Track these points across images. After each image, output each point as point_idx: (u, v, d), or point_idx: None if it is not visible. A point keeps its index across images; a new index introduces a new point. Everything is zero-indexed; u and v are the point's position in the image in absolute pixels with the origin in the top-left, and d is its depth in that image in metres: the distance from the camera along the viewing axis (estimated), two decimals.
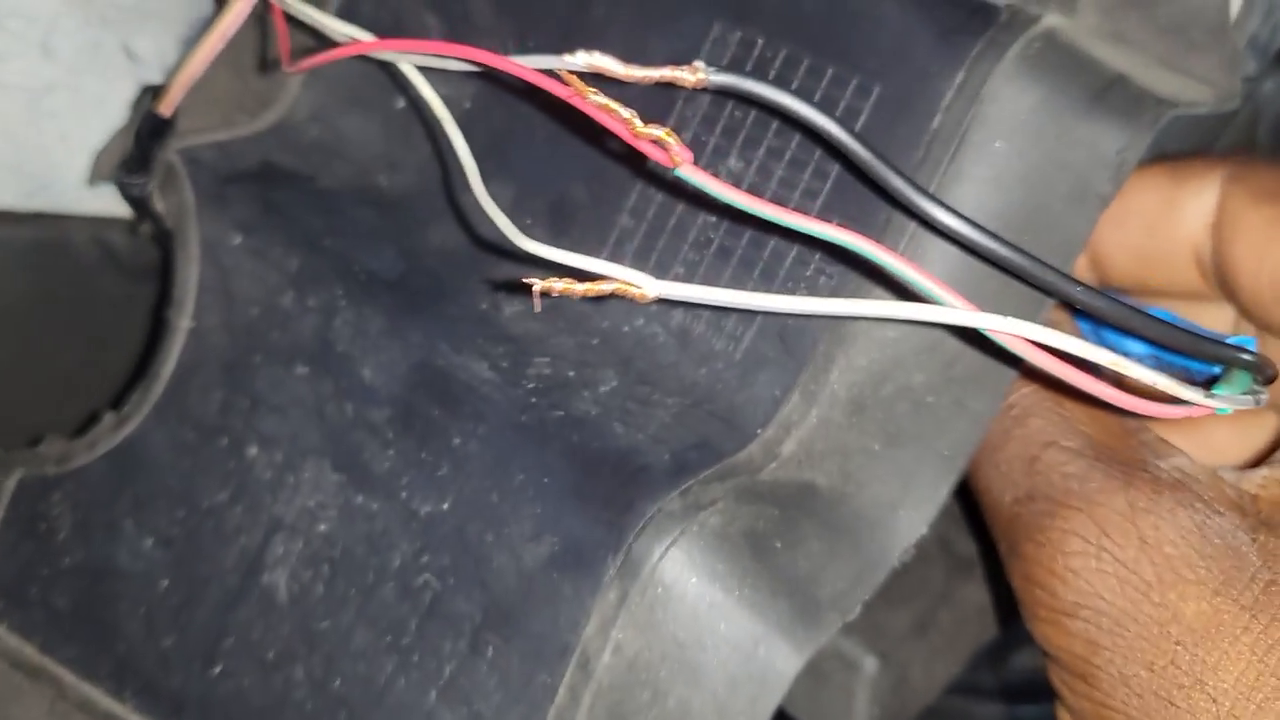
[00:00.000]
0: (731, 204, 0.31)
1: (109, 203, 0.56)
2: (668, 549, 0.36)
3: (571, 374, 0.41)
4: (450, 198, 0.47)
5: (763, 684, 0.35)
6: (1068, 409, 0.39)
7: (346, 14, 0.51)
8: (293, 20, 0.44)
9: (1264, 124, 0.63)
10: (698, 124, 0.42)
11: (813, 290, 0.39)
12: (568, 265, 0.31)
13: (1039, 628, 0.37)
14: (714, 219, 0.41)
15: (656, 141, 0.31)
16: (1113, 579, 0.34)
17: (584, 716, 0.36)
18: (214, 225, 0.47)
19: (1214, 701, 0.32)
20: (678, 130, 0.42)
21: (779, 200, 0.40)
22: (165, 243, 0.49)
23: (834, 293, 0.39)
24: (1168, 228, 0.42)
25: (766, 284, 0.40)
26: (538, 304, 0.30)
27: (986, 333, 0.31)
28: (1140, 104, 0.37)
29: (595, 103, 0.31)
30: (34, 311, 0.56)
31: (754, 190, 0.40)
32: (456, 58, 0.35)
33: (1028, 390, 0.40)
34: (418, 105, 0.47)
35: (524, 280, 0.31)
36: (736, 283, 0.41)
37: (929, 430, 0.37)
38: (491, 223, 0.45)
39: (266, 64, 0.50)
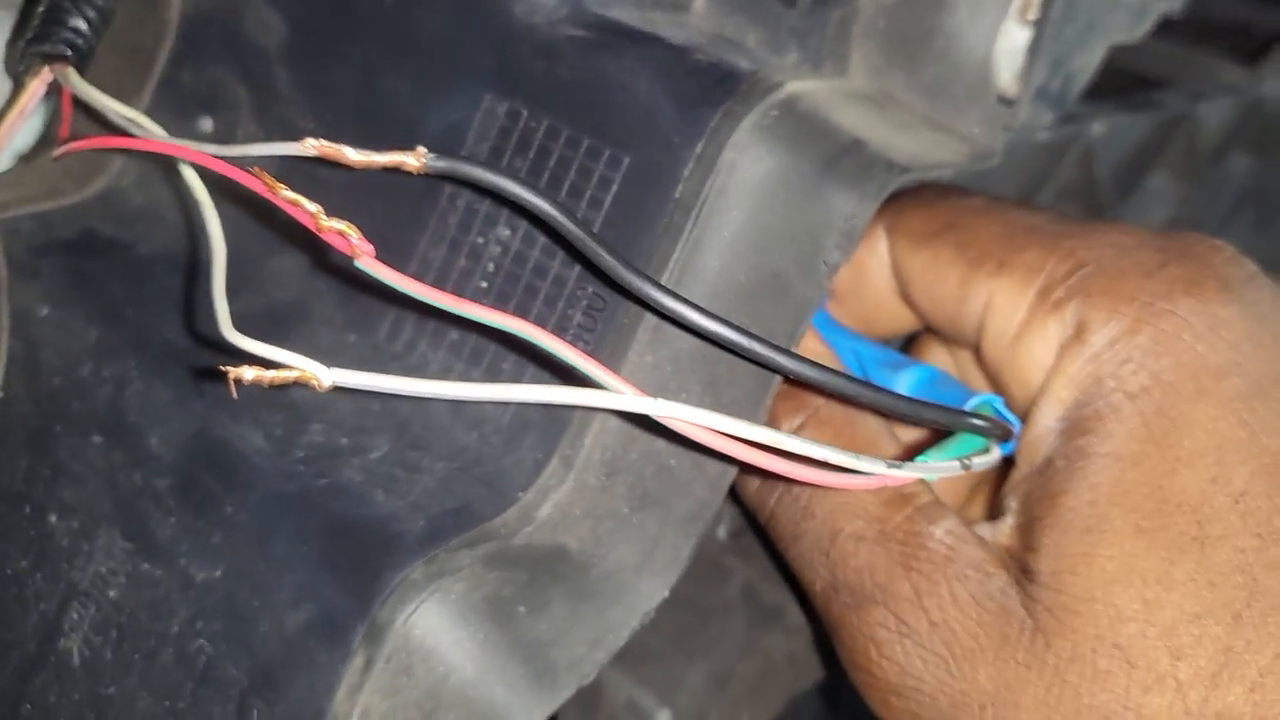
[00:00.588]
0: (405, 293, 0.32)
1: None
2: (409, 616, 0.37)
3: (344, 441, 0.42)
4: (257, 263, 0.48)
5: None
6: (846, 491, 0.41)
7: (168, 85, 0.52)
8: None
9: (1100, 163, 0.64)
10: (464, 212, 0.43)
11: (591, 332, 0.40)
12: (257, 355, 0.32)
13: (870, 703, 0.40)
14: (493, 269, 0.42)
15: (340, 234, 0.32)
16: (917, 660, 0.37)
17: None
18: (24, 297, 0.48)
19: None
20: (444, 216, 0.43)
21: (534, 290, 0.41)
22: None
23: (600, 338, 0.40)
24: (869, 281, 0.44)
25: (473, 367, 0.42)
26: (233, 391, 0.31)
27: (656, 418, 0.32)
28: (870, 171, 0.38)
29: (285, 197, 0.32)
30: None
31: (512, 280, 0.42)
32: (172, 155, 0.36)
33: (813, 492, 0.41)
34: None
35: (220, 368, 0.32)
36: (500, 350, 0.42)
37: (671, 493, 0.38)
38: (297, 286, 0.47)
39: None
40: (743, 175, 0.38)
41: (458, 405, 0.42)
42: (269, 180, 0.32)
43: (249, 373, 0.31)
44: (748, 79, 0.40)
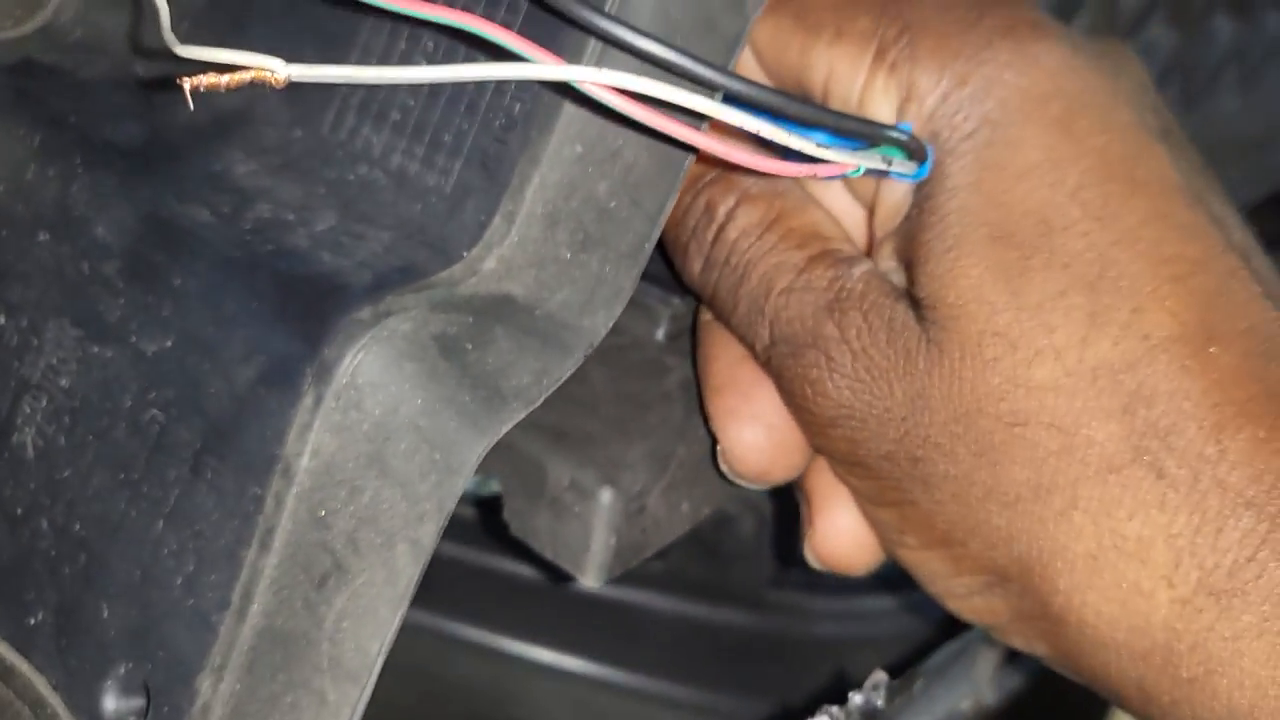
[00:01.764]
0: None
1: None
2: (358, 353, 0.37)
3: (291, 217, 0.43)
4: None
5: (448, 470, 0.36)
6: (777, 245, 0.45)
7: None
8: None
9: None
10: None
11: (510, 117, 0.41)
12: (211, 61, 0.33)
13: (813, 440, 0.46)
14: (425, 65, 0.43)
15: None
16: (846, 390, 0.42)
17: (287, 520, 0.37)
18: None
19: (944, 453, 0.40)
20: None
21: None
22: None
23: (528, 117, 0.41)
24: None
25: (470, 118, 0.42)
26: (190, 102, 0.32)
27: (576, 85, 0.32)
28: None
29: None
30: None
31: None
32: None
33: (742, 245, 0.46)
34: None
35: (176, 78, 0.33)
36: (445, 120, 0.42)
37: (612, 233, 0.39)
38: (238, 93, 0.47)
39: None
40: None
41: (401, 180, 0.43)
42: None
43: (204, 79, 0.32)
44: None
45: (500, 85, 0.42)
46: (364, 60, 0.45)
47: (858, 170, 0.37)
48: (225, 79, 0.33)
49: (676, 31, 0.39)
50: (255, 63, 0.32)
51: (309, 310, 0.39)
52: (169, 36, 0.33)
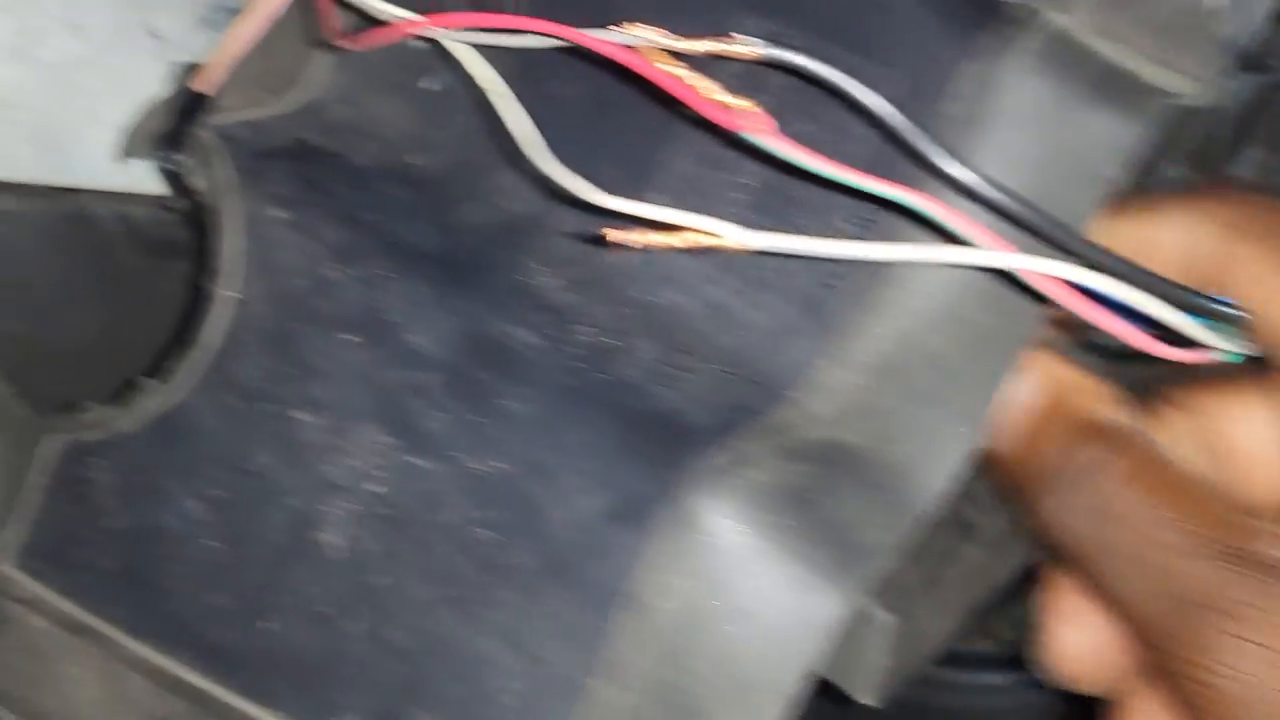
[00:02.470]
0: (805, 167, 0.34)
1: (131, 177, 0.57)
2: (713, 500, 0.39)
3: (613, 342, 0.44)
4: (483, 176, 0.49)
5: (809, 626, 0.38)
6: (1162, 502, 0.40)
7: None
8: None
9: (1224, 118, 0.67)
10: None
11: (824, 302, 0.42)
12: (644, 217, 0.33)
13: (1202, 710, 0.39)
14: (745, 196, 0.44)
15: (741, 112, 0.33)
16: (1258, 664, 0.37)
17: (637, 655, 0.39)
18: (254, 200, 0.49)
19: None
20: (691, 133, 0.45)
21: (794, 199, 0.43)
22: (202, 217, 0.51)
23: (861, 266, 0.42)
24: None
25: (773, 297, 0.43)
26: (612, 252, 0.33)
27: (1018, 274, 0.34)
28: (1143, 93, 0.41)
29: (663, 71, 0.33)
30: (55, 284, 0.57)
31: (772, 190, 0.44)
32: (526, 30, 0.37)
33: (1122, 494, 0.41)
34: (455, 85, 0.50)
35: (603, 232, 0.33)
36: (751, 285, 0.44)
37: (949, 390, 0.41)
38: (528, 198, 0.48)
39: (312, 41, 0.52)
40: (1015, 95, 0.41)
41: (716, 310, 0.44)
42: (671, 59, 0.33)
43: (641, 236, 0.32)
44: (1010, 5, 0.42)
45: (836, 227, 0.43)
46: (671, 183, 0.45)
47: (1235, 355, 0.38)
48: (662, 238, 0.33)
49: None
50: (701, 226, 0.33)
51: (660, 452, 0.40)
52: (591, 192, 0.34)
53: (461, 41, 0.42)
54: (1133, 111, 0.40)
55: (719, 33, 0.45)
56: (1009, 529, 0.57)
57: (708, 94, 0.33)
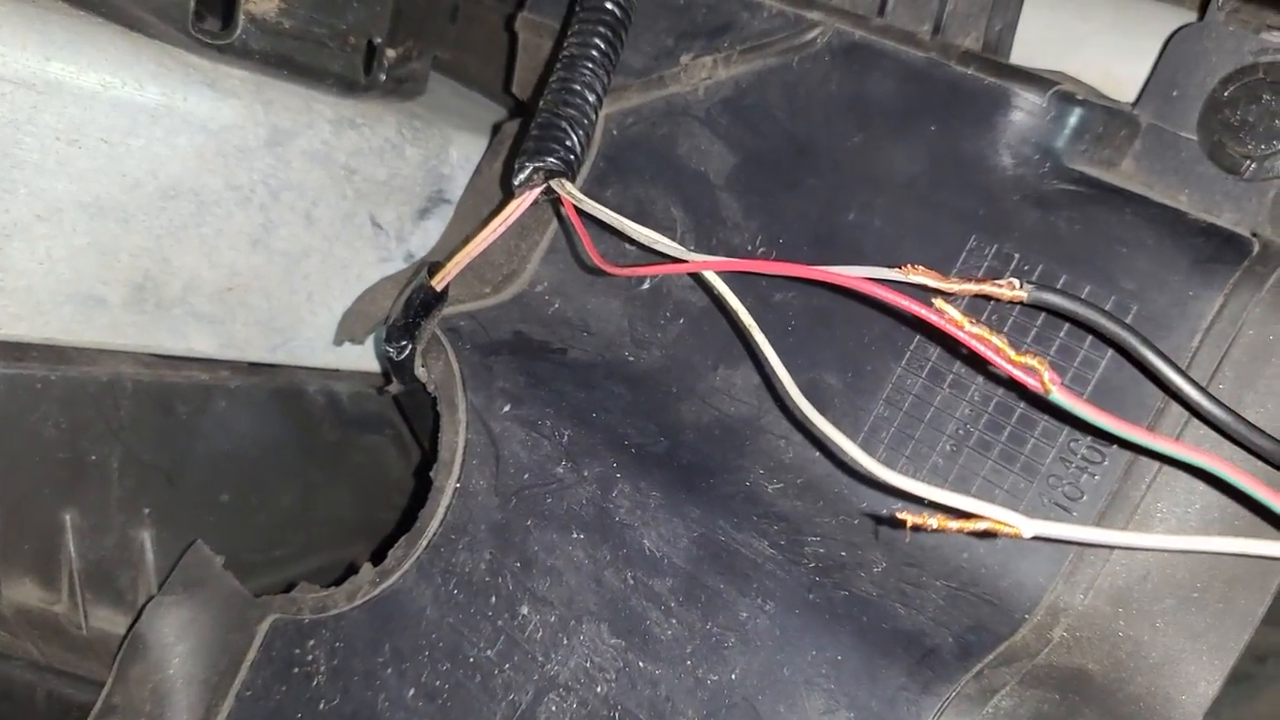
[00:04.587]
0: (1104, 428, 0.35)
1: (338, 357, 0.60)
2: None
3: (843, 554, 0.44)
4: (699, 377, 0.51)
5: None
6: None
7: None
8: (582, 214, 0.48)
9: None
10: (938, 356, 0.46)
11: (1075, 484, 0.43)
12: (923, 497, 0.34)
13: None
14: (972, 414, 0.45)
15: (1031, 369, 0.34)
16: None
17: None
18: (482, 393, 0.50)
19: None
20: (917, 356, 0.46)
21: (1032, 423, 0.44)
22: (419, 407, 0.52)
23: (1096, 489, 0.42)
24: None
25: (1027, 476, 0.43)
26: (908, 535, 0.33)
27: None
28: None
29: (973, 332, 0.34)
30: (267, 455, 0.59)
31: (992, 424, 0.44)
32: (801, 277, 0.39)
33: None
34: (662, 282, 0.51)
35: (899, 516, 0.34)
36: (995, 474, 0.44)
37: (1196, 624, 0.40)
38: (743, 400, 0.49)
39: (583, 267, 0.54)
40: (1268, 333, 0.41)
41: None
42: (957, 317, 0.35)
43: (934, 521, 0.33)
44: (1253, 241, 0.43)
45: (1063, 452, 0.43)
46: (896, 397, 0.46)
47: None
48: (956, 524, 0.34)
49: None
50: (996, 515, 0.33)
51: (907, 675, 0.40)
52: (884, 473, 0.34)
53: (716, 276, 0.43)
54: None
55: (946, 251, 0.47)
56: None
57: (1008, 353, 0.34)
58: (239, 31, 0.49)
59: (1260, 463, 0.39)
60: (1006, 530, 0.33)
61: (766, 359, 0.41)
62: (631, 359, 0.52)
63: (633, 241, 0.45)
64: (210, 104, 0.49)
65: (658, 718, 0.43)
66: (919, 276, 0.39)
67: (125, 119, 0.47)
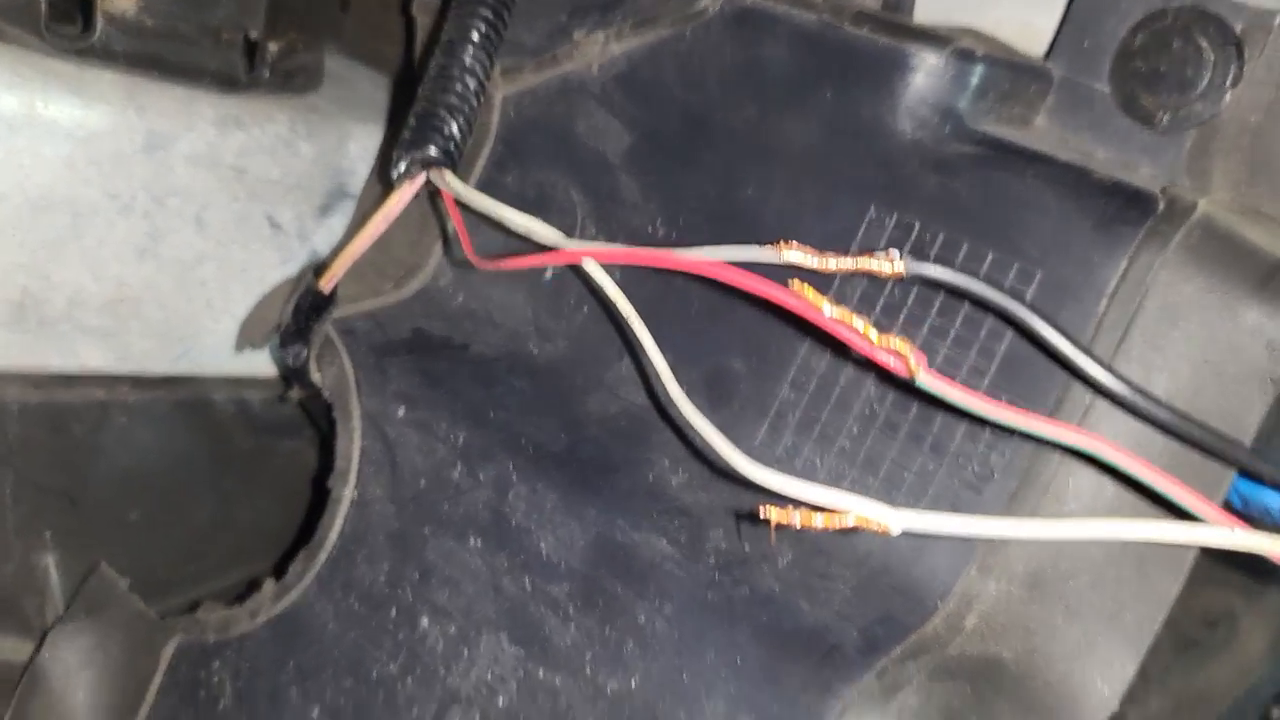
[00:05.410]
0: (968, 410, 0.33)
1: (247, 363, 0.58)
2: None
3: (748, 548, 0.42)
4: (604, 367, 0.49)
5: None
6: None
7: (487, 187, 0.53)
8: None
9: None
10: (856, 304, 0.44)
11: (985, 463, 0.41)
12: (792, 494, 0.32)
13: None
14: (878, 393, 0.43)
15: (896, 353, 0.32)
16: None
17: None
18: (376, 398, 0.48)
19: None
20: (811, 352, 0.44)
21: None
22: (322, 411, 0.51)
23: (1007, 468, 0.40)
24: None
25: (936, 457, 0.41)
26: (773, 537, 0.32)
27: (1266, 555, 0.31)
28: None
29: (832, 317, 0.32)
30: (175, 469, 0.57)
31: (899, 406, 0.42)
32: (669, 268, 0.36)
33: None
34: (568, 272, 0.49)
35: (762, 515, 0.32)
36: (903, 455, 0.42)
37: (1111, 604, 0.39)
38: (649, 392, 0.47)
39: (453, 259, 0.52)
40: (1173, 294, 0.39)
41: None
42: (814, 298, 0.32)
43: (797, 517, 0.31)
44: (1160, 198, 0.41)
45: (972, 431, 0.41)
46: (802, 379, 0.44)
47: None
48: (821, 519, 0.32)
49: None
50: (861, 509, 0.31)
51: (807, 677, 0.38)
52: (749, 468, 0.32)
53: (595, 265, 0.41)
54: None
55: (845, 224, 0.45)
56: (1158, 715, 0.53)
57: (870, 338, 0.32)
58: (98, 33, 0.47)
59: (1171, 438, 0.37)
60: (874, 526, 0.31)
61: (644, 349, 0.39)
62: (536, 351, 0.50)
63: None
64: (76, 110, 0.47)
65: None
66: (793, 254, 0.37)
67: None
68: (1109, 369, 0.35)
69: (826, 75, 0.45)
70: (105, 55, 0.47)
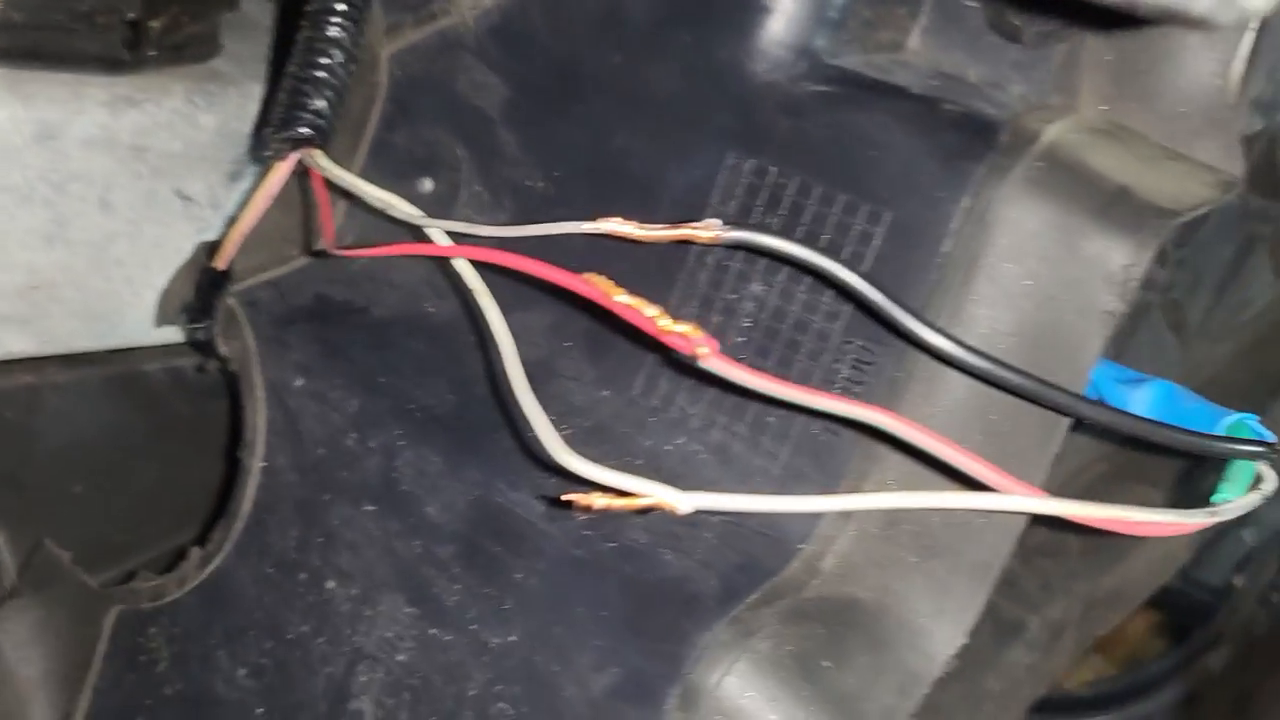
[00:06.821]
0: (754, 389, 0.33)
1: (175, 332, 0.59)
2: (722, 677, 0.38)
3: None
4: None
5: None
6: None
7: (381, 147, 0.54)
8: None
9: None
10: (714, 269, 0.44)
11: (829, 448, 0.41)
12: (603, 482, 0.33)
13: None
14: (745, 340, 0.43)
15: (682, 335, 0.33)
16: None
17: None
18: (277, 368, 0.50)
19: None
20: (693, 274, 0.44)
21: (796, 345, 0.42)
22: (231, 383, 0.52)
23: (847, 451, 0.41)
24: None
25: (777, 443, 0.42)
26: (581, 516, 0.33)
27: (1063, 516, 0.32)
28: (1142, 218, 0.38)
29: (621, 303, 0.33)
30: (114, 441, 0.59)
31: (771, 335, 0.42)
32: (502, 266, 0.37)
33: None
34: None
35: (565, 498, 0.33)
36: (755, 431, 0.43)
37: (960, 540, 0.39)
38: (538, 344, 0.48)
39: (311, 235, 0.53)
40: (1014, 228, 0.39)
41: (724, 457, 0.43)
42: (607, 285, 0.33)
43: (599, 501, 0.32)
44: (1006, 128, 0.40)
45: (829, 374, 0.42)
46: (688, 292, 0.45)
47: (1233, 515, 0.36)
48: (620, 503, 0.33)
49: (1021, 348, 0.39)
50: (655, 493, 0.32)
51: (666, 626, 0.39)
52: (562, 456, 0.33)
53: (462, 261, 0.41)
54: (1134, 235, 0.38)
55: (705, 171, 0.45)
56: (1065, 619, 0.54)
57: (657, 322, 0.33)
58: None
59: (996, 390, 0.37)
60: (665, 505, 0.32)
61: (488, 322, 0.40)
62: (433, 310, 0.51)
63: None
64: None
65: (450, 682, 0.43)
66: (610, 226, 0.37)
67: None
68: (920, 318, 0.36)
69: (683, 17, 0.45)
70: None
